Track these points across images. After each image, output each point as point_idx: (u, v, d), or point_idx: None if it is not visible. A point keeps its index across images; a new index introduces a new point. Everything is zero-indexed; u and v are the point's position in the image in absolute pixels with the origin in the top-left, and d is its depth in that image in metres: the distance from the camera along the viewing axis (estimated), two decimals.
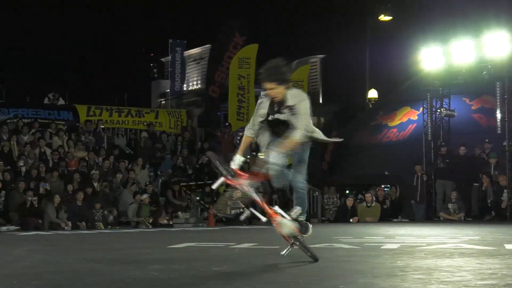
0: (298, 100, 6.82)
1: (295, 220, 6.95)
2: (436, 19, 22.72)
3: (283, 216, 6.90)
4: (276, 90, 6.76)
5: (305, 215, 7.20)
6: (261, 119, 7.00)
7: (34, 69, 39.83)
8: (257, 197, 6.92)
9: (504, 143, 19.33)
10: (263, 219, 7.03)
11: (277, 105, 6.91)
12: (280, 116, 6.90)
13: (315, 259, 6.91)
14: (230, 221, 18.33)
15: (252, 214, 7.29)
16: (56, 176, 19.22)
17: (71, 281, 6.01)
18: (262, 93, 7.04)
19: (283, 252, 7.07)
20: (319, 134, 7.13)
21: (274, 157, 6.77)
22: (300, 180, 7.13)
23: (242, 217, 7.39)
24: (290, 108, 6.82)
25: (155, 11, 42.83)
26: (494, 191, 19.01)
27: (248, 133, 7.11)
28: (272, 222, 6.94)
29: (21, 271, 6.83)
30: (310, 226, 7.13)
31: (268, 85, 6.77)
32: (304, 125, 6.81)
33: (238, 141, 25.36)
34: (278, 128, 6.99)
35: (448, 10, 22.71)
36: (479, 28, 19.63)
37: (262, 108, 6.98)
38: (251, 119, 7.14)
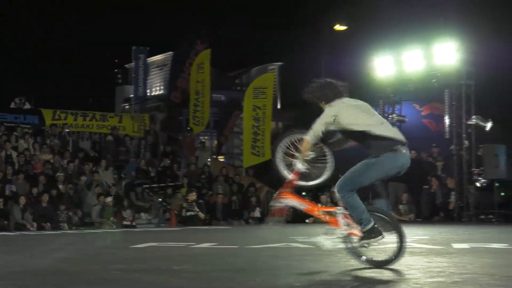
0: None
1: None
2: (388, 29, 23.19)
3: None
4: (320, 105, 7.08)
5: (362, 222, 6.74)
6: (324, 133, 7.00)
7: (0, 73, 39.87)
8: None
9: (451, 147, 20.05)
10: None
11: None
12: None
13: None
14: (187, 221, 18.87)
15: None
16: (22, 178, 19.15)
17: (36, 281, 6.11)
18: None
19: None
20: (357, 126, 6.91)
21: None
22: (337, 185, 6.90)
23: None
24: None
25: (119, 18, 43.12)
26: (443, 193, 19.63)
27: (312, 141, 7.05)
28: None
29: None
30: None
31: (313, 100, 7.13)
32: (312, 129, 6.93)
33: (198, 145, 25.87)
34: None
35: (400, 21, 23.31)
36: (429, 38, 20.26)
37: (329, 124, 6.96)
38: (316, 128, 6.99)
